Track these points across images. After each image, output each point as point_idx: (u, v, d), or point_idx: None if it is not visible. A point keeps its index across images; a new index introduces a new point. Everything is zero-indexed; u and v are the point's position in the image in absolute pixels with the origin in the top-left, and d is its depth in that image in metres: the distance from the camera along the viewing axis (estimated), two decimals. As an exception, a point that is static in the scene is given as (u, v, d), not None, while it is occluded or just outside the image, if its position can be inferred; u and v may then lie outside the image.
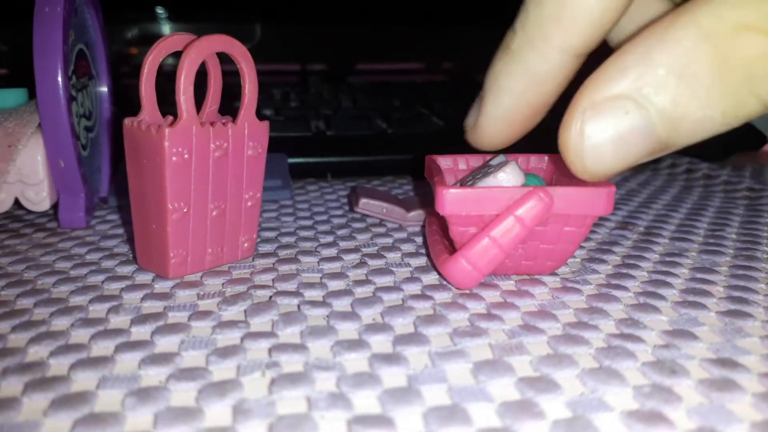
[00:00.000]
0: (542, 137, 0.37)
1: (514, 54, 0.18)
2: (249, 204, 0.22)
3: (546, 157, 0.24)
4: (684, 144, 0.16)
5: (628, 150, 0.16)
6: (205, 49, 0.20)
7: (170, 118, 0.21)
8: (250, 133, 0.21)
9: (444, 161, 0.24)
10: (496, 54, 0.19)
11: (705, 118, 0.15)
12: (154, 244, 0.21)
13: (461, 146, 0.37)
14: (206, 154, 0.20)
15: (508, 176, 0.20)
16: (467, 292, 0.20)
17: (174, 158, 0.19)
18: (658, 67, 0.15)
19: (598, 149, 0.16)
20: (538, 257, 0.21)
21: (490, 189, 0.19)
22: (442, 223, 0.22)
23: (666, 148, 0.16)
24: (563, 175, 0.23)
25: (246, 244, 0.23)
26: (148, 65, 0.20)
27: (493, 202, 0.19)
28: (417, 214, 0.27)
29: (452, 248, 0.21)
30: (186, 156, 0.20)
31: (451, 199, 0.19)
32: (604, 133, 0.16)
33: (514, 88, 0.19)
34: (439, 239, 0.22)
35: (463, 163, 0.24)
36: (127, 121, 0.20)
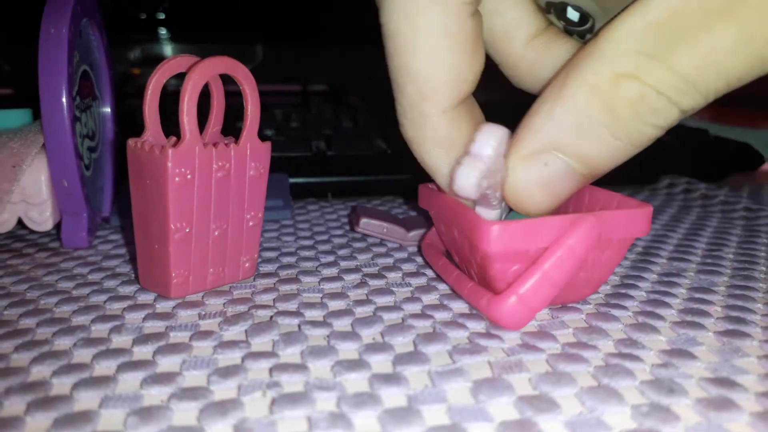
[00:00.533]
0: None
1: (415, 140, 0.20)
2: (251, 224, 0.22)
3: None
4: (607, 170, 0.18)
5: (556, 191, 0.18)
6: (209, 70, 0.20)
7: (173, 138, 0.21)
8: (252, 154, 0.22)
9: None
10: (411, 149, 0.20)
11: (614, 150, 0.17)
12: (156, 263, 0.21)
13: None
14: (209, 175, 0.21)
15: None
16: (467, 312, 0.20)
17: (177, 178, 0.20)
18: (561, 123, 0.17)
19: (532, 195, 0.18)
20: (575, 286, 0.20)
21: (537, 220, 0.18)
22: (460, 255, 0.21)
23: (592, 178, 0.18)
24: (576, 197, 0.22)
25: (247, 264, 0.23)
26: (152, 86, 0.21)
27: (541, 234, 0.18)
28: (417, 234, 0.27)
29: (468, 274, 0.20)
30: (189, 176, 0.20)
31: (499, 235, 0.18)
32: (533, 182, 0.18)
33: (439, 161, 0.20)
34: (453, 266, 0.21)
35: None
36: (130, 141, 0.21)
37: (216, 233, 0.21)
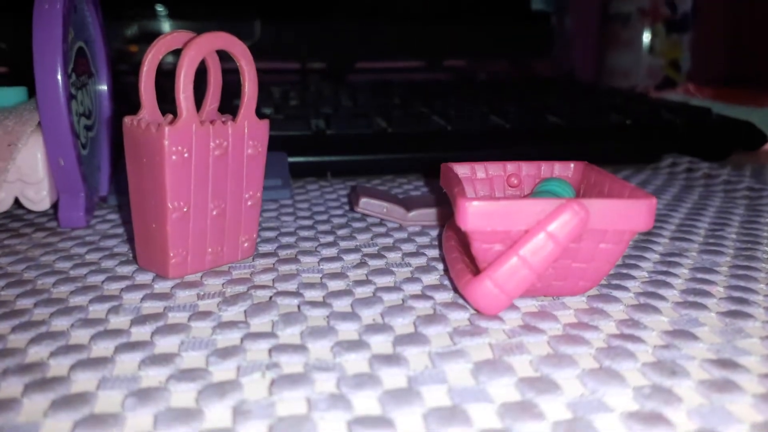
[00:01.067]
0: (561, 141, 0.37)
1: None
2: (249, 203, 0.22)
3: (572, 165, 0.23)
4: None
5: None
6: (205, 46, 0.20)
7: (170, 116, 0.21)
8: (250, 132, 0.21)
9: (461, 169, 0.23)
10: None
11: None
12: (154, 243, 0.21)
13: (462, 146, 0.37)
14: (206, 153, 0.20)
15: None
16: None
17: (174, 157, 0.19)
18: None
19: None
20: (569, 277, 0.19)
21: (518, 201, 0.17)
22: (462, 238, 0.21)
23: None
24: (593, 185, 0.22)
25: (246, 244, 0.23)
26: (147, 63, 0.20)
27: (522, 216, 0.17)
28: (417, 214, 0.27)
29: (474, 266, 0.20)
30: (186, 155, 0.20)
31: (475, 213, 0.17)
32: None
33: None
34: (459, 256, 0.20)
35: (482, 171, 0.23)
36: (126, 119, 0.20)
37: (214, 213, 0.21)
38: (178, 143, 0.19)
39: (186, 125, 0.20)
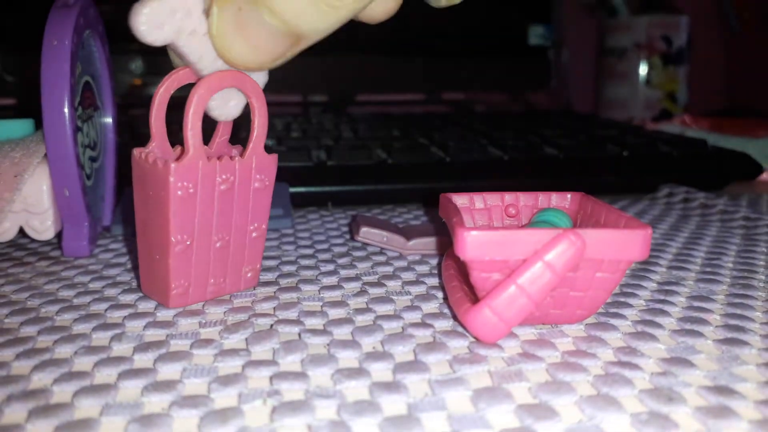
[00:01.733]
0: (559, 173, 0.38)
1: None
2: (254, 235, 0.22)
3: (569, 195, 0.23)
4: (309, 34, 0.19)
5: (256, 42, 0.19)
6: (216, 84, 0.20)
7: (179, 148, 0.21)
8: (258, 166, 0.22)
9: (460, 199, 0.23)
10: None
11: (317, 10, 0.18)
12: (157, 273, 0.21)
13: (460, 177, 0.37)
14: (212, 188, 0.21)
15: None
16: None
17: (179, 192, 0.20)
18: None
19: (229, 41, 0.19)
20: (567, 305, 0.19)
21: (516, 231, 0.18)
22: (461, 267, 0.21)
23: (296, 39, 0.19)
24: (590, 215, 0.22)
25: (249, 274, 0.23)
26: (158, 97, 0.21)
27: (519, 245, 0.18)
28: (417, 243, 0.27)
29: (473, 295, 0.20)
30: (191, 190, 0.20)
31: (473, 242, 0.18)
32: (228, 27, 0.19)
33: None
34: (458, 285, 0.21)
35: (480, 201, 0.24)
36: (135, 151, 0.21)
37: (218, 245, 0.21)
38: (184, 179, 0.20)
39: (193, 162, 0.20)
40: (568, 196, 0.23)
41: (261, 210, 0.22)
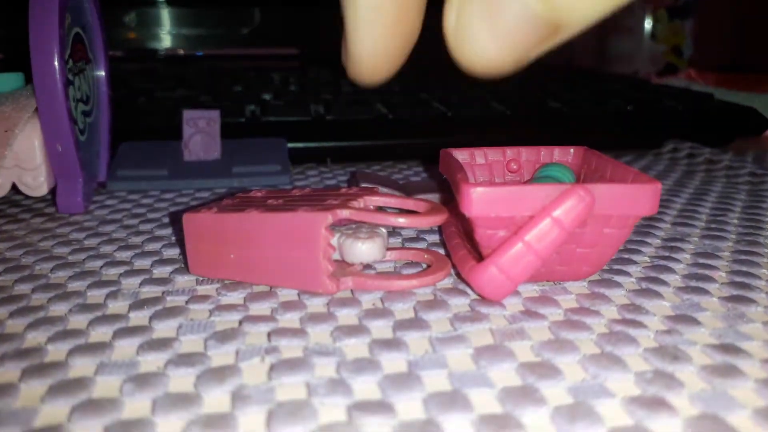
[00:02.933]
0: (562, 127, 0.37)
1: None
2: None
3: (572, 150, 0.23)
4: (574, 22, 0.14)
5: (505, 31, 0.14)
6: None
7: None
8: None
9: (460, 155, 0.23)
10: None
11: None
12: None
13: (462, 132, 0.37)
14: None
15: (370, 249, 0.19)
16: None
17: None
18: None
19: (473, 29, 0.14)
20: (573, 262, 0.19)
21: (522, 187, 0.17)
22: (463, 225, 0.20)
23: (555, 30, 0.14)
24: (594, 170, 0.22)
25: None
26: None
27: (527, 201, 0.17)
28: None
29: (476, 252, 0.19)
30: None
31: (479, 199, 0.17)
32: (475, 12, 0.14)
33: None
34: (461, 242, 0.20)
35: (481, 156, 0.23)
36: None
37: None
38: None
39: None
40: (571, 150, 0.23)
41: None
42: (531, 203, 0.17)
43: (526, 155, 0.23)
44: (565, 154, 0.23)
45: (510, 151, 0.23)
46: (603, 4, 0.14)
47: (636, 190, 0.17)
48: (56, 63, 0.24)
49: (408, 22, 0.16)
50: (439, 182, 0.28)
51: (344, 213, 0.18)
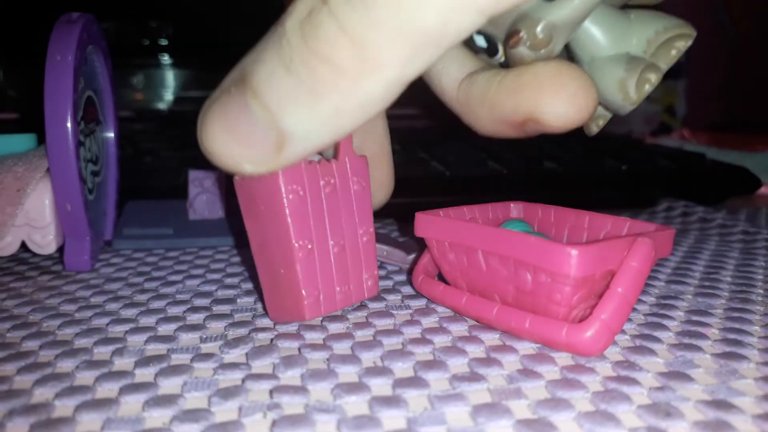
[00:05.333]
0: (558, 187, 0.38)
1: None
2: (364, 239, 0.22)
3: (512, 205, 0.25)
4: (307, 141, 0.17)
5: (233, 124, 0.17)
6: None
7: None
8: (353, 168, 0.22)
9: (429, 216, 0.23)
10: None
11: (298, 92, 0.16)
12: (285, 288, 0.20)
13: (460, 191, 0.37)
14: (317, 190, 0.20)
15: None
16: (466, 335, 0.20)
17: (291, 195, 0.19)
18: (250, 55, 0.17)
19: (211, 125, 0.17)
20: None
21: (608, 244, 0.18)
22: (482, 283, 0.21)
23: (271, 117, 0.16)
24: (543, 221, 0.24)
25: (369, 282, 0.22)
26: None
27: (612, 256, 0.18)
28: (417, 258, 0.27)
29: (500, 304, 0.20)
30: (301, 193, 0.20)
31: (581, 260, 0.18)
32: (215, 117, 0.17)
33: None
34: (485, 300, 0.21)
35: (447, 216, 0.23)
36: (236, 177, 0.20)
37: (335, 250, 0.21)
38: (292, 182, 0.19)
39: (296, 165, 0.19)
40: (512, 205, 0.25)
41: (365, 213, 0.22)
42: (615, 257, 0.19)
43: (478, 213, 0.24)
44: (512, 210, 0.25)
45: (467, 210, 0.24)
46: (324, 132, 0.16)
47: (662, 237, 0.20)
48: (69, 126, 0.25)
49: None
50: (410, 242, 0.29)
51: None
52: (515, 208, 0.25)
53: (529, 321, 0.19)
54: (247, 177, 0.20)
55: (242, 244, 0.31)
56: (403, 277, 0.26)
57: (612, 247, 0.18)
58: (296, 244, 0.20)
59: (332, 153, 0.22)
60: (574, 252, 0.18)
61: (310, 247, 0.20)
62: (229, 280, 0.26)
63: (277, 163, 0.17)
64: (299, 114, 0.16)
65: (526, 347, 0.19)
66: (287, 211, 0.19)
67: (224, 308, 0.23)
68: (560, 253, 0.18)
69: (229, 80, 0.17)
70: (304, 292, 0.20)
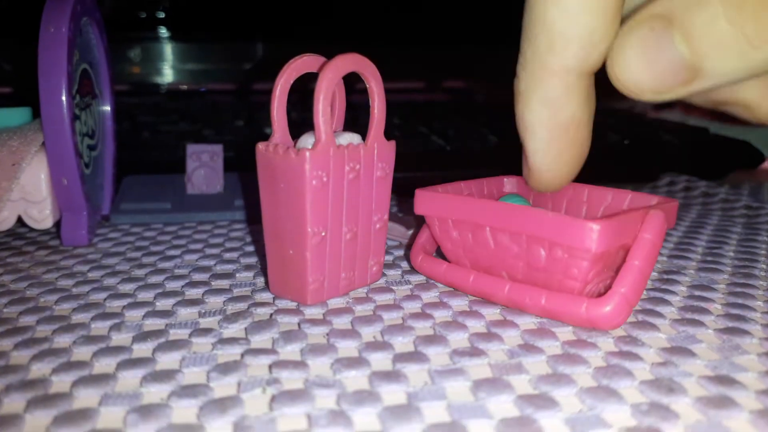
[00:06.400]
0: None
1: (524, 94, 0.19)
2: (377, 226, 0.22)
3: (504, 179, 0.25)
4: (715, 80, 0.16)
5: (656, 68, 0.16)
6: (340, 69, 0.19)
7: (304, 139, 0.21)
8: (380, 154, 0.21)
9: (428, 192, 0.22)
10: (514, 105, 0.20)
11: (735, 41, 0.15)
12: (291, 269, 0.20)
13: (460, 165, 0.37)
14: (341, 177, 0.20)
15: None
16: (467, 309, 0.20)
17: (314, 182, 0.19)
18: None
19: (628, 61, 0.17)
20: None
21: (626, 217, 0.18)
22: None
23: (695, 81, 0.16)
24: (541, 195, 0.24)
25: (374, 268, 0.22)
26: (279, 88, 0.20)
27: (629, 230, 0.18)
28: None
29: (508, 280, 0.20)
30: (324, 179, 0.19)
31: (603, 234, 0.18)
32: (632, 45, 0.17)
33: (540, 122, 0.19)
34: (495, 278, 0.20)
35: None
36: (260, 145, 0.20)
37: (348, 236, 0.21)
38: (318, 168, 0.19)
39: (325, 149, 0.19)
40: (505, 179, 0.25)
41: (383, 200, 0.22)
42: (631, 231, 0.19)
43: (474, 188, 0.24)
44: (508, 184, 0.25)
45: (464, 185, 0.24)
46: (739, 62, 0.16)
47: (669, 208, 0.20)
48: (64, 99, 0.24)
49: (578, 143, 0.20)
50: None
51: None
52: (509, 183, 0.25)
53: (545, 297, 0.19)
54: (271, 151, 0.19)
55: (242, 219, 0.31)
56: (402, 252, 0.26)
57: (629, 220, 0.18)
58: (310, 231, 0.19)
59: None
60: (595, 227, 0.18)
61: (323, 234, 0.20)
62: (228, 255, 0.26)
63: (677, 94, 0.17)
64: (728, 60, 0.16)
65: (527, 322, 0.19)
66: (308, 197, 0.19)
67: (223, 283, 0.23)
68: (581, 228, 0.18)
69: (646, 15, 0.16)
70: (309, 278, 0.20)
